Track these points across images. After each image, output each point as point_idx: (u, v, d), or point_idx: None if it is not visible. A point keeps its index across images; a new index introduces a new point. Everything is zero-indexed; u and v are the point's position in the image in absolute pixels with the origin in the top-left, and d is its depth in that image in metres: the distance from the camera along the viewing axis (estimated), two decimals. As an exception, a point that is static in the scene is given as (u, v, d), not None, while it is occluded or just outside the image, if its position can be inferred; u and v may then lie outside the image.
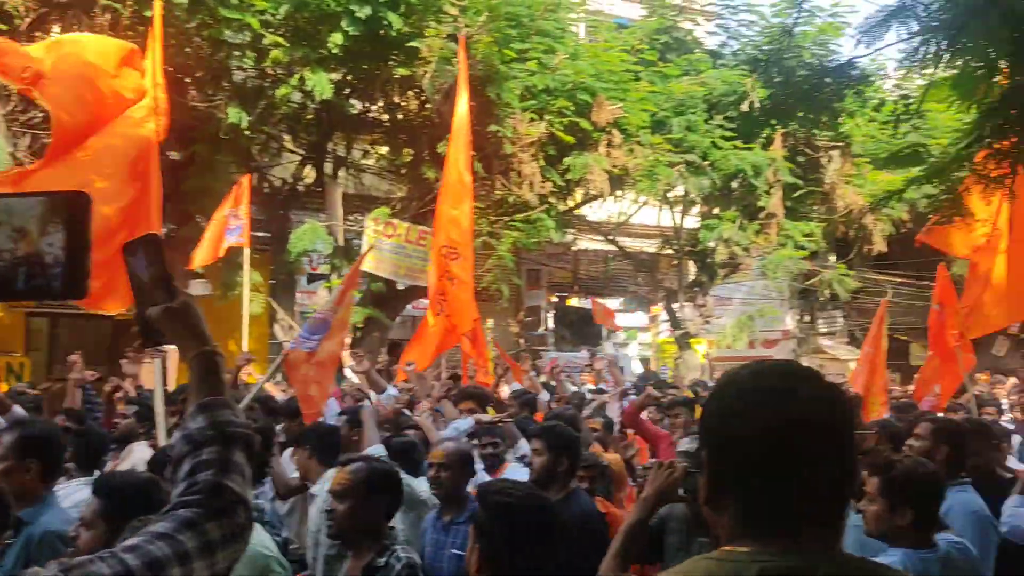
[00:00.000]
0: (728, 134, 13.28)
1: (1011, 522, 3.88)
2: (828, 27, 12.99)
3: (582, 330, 20.33)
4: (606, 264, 19.33)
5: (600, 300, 18.34)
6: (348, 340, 9.89)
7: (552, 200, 12.66)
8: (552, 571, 2.39)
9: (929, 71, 4.03)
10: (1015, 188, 5.08)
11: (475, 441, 4.88)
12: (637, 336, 21.57)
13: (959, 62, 4.06)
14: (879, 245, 14.85)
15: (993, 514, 3.92)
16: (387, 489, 3.21)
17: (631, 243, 17.68)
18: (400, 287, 11.67)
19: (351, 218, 12.56)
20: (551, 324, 19.94)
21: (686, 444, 3.82)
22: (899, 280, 16.19)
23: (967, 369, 7.69)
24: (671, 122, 13.37)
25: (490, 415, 5.32)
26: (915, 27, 4.14)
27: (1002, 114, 4.28)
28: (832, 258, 17.13)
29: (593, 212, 16.25)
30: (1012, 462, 5.57)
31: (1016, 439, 6.67)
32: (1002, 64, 4.20)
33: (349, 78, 11.61)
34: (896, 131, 12.60)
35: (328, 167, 12.50)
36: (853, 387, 7.03)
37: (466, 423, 5.38)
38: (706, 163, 13.51)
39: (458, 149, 8.66)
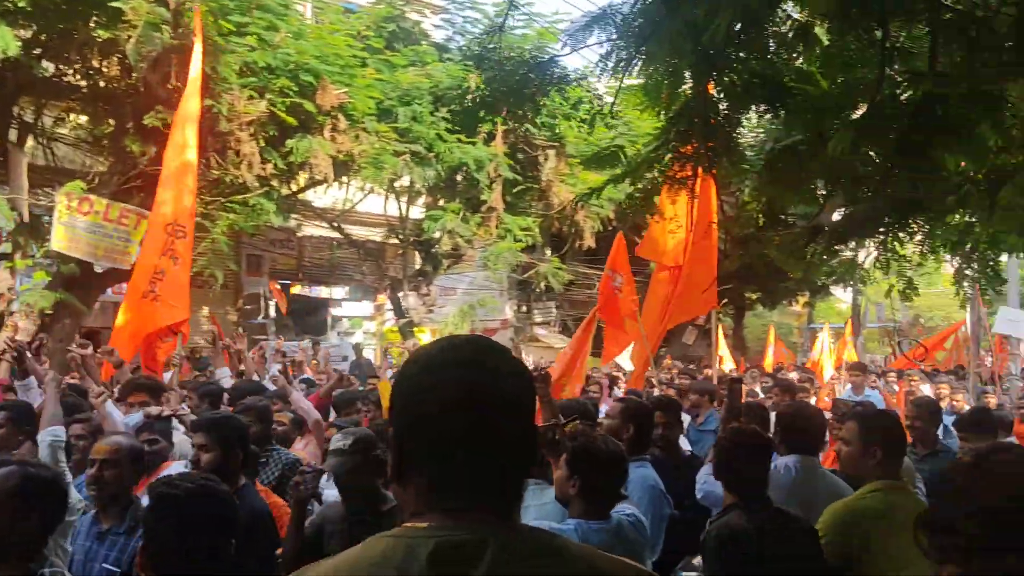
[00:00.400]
0: (452, 127, 13.52)
1: (705, 488, 4.26)
2: (545, 32, 13.69)
3: (306, 319, 19.84)
4: (331, 252, 19.00)
5: (278, 286, 18.15)
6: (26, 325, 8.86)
7: (273, 183, 12.17)
8: (229, 568, 2.21)
9: (624, 76, 4.29)
10: (698, 192, 5.60)
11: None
12: (362, 325, 21.45)
13: (649, 69, 4.36)
14: (589, 240, 15.90)
15: (678, 484, 4.32)
16: (45, 499, 2.63)
17: (357, 231, 17.51)
18: (98, 269, 10.64)
19: (40, 191, 11.25)
20: (273, 312, 19.25)
21: (339, 441, 3.63)
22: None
23: (637, 337, 8.31)
24: (397, 111, 13.35)
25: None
26: (614, 33, 4.41)
27: (686, 121, 4.66)
28: (548, 252, 18.08)
29: (318, 198, 15.89)
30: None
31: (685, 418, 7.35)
32: (686, 74, 4.57)
33: (41, 37, 10.40)
34: (591, 131, 13.54)
35: (13, 134, 11.10)
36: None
37: (135, 418, 4.88)
38: (431, 154, 13.65)
39: (183, 124, 8.13)
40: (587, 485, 3.14)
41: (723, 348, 15.23)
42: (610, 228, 15.41)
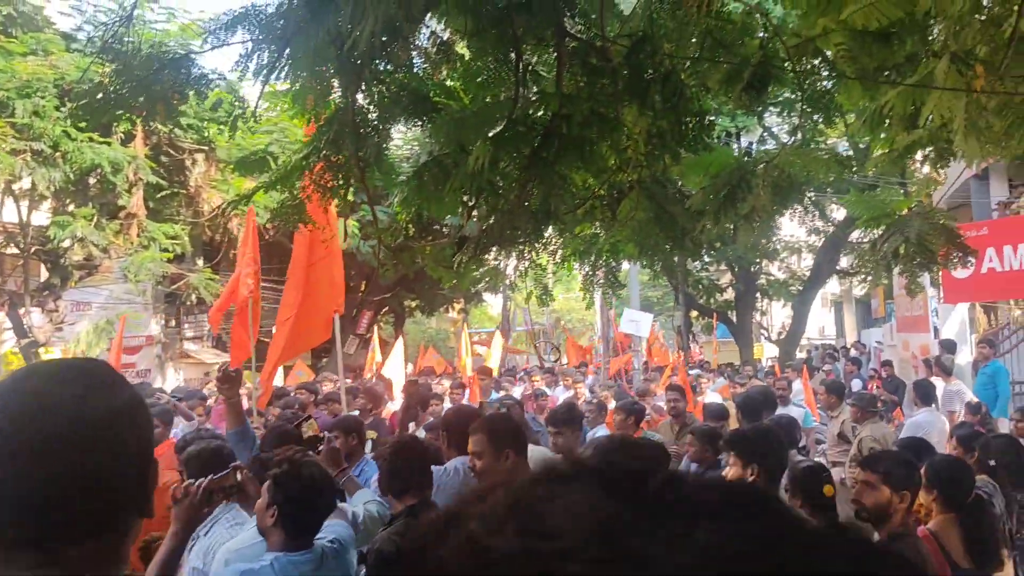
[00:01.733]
0: (83, 124, 12.22)
1: None
2: (190, 28, 12.90)
3: None
4: (-70, 263, 16.26)
5: None
6: None
7: None
8: None
9: (268, 80, 4.12)
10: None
11: None
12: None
13: (295, 75, 4.24)
14: (243, 250, 15.25)
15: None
16: None
17: (-36, 239, 15.17)
18: None
19: None
20: None
21: None
22: (264, 284, 16.87)
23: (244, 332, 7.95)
24: (14, 104, 11.80)
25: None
26: (258, 34, 4.22)
27: (336, 129, 4.61)
28: (199, 261, 17.05)
29: (-90, 200, 13.54)
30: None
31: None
32: (335, 82, 4.52)
33: None
34: (232, 135, 13.04)
35: None
36: None
37: None
38: (57, 154, 12.24)
39: None
40: (287, 515, 2.94)
41: (396, 355, 15.38)
42: (267, 237, 14.92)
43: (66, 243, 13.43)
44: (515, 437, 3.60)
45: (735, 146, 19.70)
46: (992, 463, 5.26)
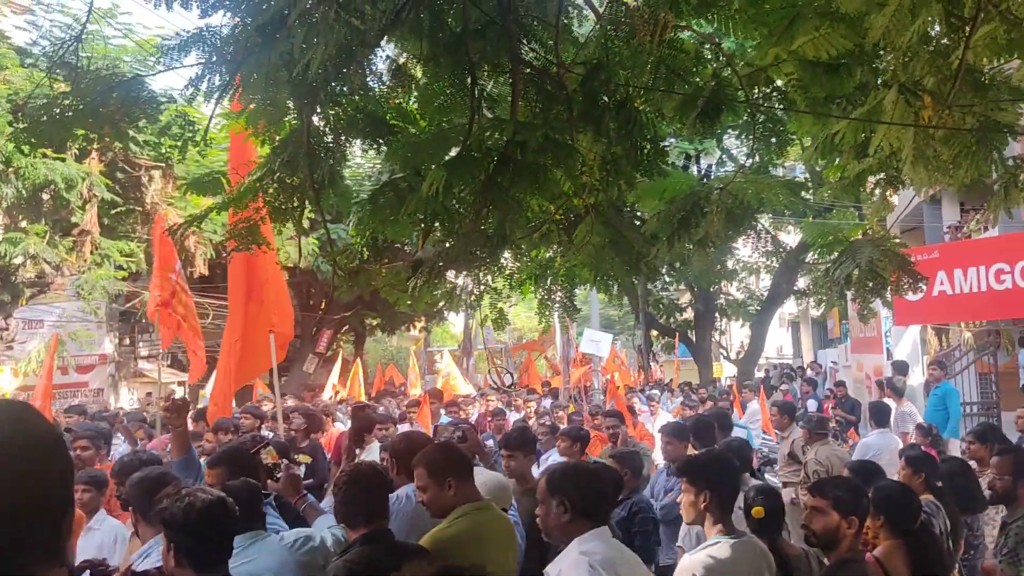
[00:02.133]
0: (36, 140, 11.99)
1: None
2: (147, 44, 12.76)
3: None
4: None
5: None
6: None
7: None
8: None
9: (219, 102, 4.08)
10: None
11: None
12: (-81, 366, 18.11)
13: (248, 97, 4.21)
14: (201, 268, 15.05)
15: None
16: None
17: (-89, 255, 14.77)
18: None
19: None
20: None
21: None
22: (219, 303, 16.67)
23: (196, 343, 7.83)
24: (-37, 119, 11.57)
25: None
26: (212, 56, 4.18)
27: (290, 151, 4.57)
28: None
29: None
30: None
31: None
32: (289, 104, 4.50)
33: None
34: (182, 157, 12.97)
35: None
36: None
37: None
38: (10, 170, 12.02)
39: None
40: (184, 551, 2.75)
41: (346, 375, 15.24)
42: (225, 254, 14.74)
43: (18, 260, 13.16)
44: (456, 466, 3.57)
45: (694, 168, 19.96)
46: (939, 484, 5.34)
